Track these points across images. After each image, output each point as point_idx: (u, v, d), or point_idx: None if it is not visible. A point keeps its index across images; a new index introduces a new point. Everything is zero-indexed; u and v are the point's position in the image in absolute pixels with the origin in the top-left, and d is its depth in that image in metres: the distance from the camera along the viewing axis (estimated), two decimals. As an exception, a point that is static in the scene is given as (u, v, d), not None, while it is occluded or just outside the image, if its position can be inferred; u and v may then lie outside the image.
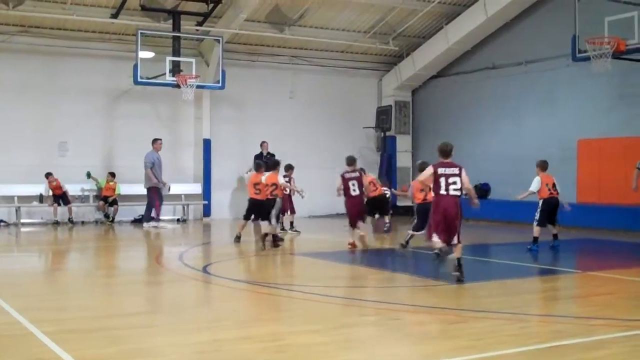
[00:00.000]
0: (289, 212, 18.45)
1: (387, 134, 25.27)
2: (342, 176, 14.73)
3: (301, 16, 22.43)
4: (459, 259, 10.42)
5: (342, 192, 14.62)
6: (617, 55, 16.36)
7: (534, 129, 21.75)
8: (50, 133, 21.27)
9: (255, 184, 15.84)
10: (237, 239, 15.96)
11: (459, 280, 10.25)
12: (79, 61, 21.51)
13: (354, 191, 14.55)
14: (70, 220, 20.68)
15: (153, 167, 20.23)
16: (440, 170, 10.48)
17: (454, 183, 10.40)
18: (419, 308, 8.69)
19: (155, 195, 20.34)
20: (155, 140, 20.76)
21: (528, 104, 22.05)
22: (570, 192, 20.09)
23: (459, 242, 10.46)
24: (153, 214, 20.36)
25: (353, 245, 14.51)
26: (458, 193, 10.43)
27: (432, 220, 10.59)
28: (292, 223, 18.38)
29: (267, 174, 15.65)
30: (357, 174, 14.79)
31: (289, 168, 18.14)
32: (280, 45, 23.88)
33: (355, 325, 7.98)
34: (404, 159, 25.83)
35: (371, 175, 18.99)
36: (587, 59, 16.70)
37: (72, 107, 21.46)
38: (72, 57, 21.46)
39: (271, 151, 22.07)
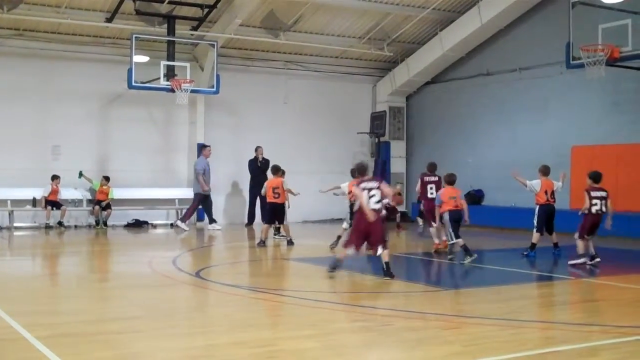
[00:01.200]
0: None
1: (382, 139, 25.27)
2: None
3: (296, 21, 22.45)
4: (387, 263, 11.27)
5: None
6: (611, 62, 16.41)
7: (528, 136, 21.80)
8: (43, 137, 21.22)
9: (274, 188, 16.33)
10: (262, 243, 16.27)
11: (391, 276, 11.16)
12: (73, 65, 21.47)
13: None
14: (61, 224, 20.60)
15: (204, 173, 20.86)
16: (363, 185, 11.44)
17: (374, 196, 11.31)
18: (412, 314, 8.69)
19: (197, 201, 21.19)
20: (204, 147, 21.43)
21: (522, 110, 22.10)
22: (564, 198, 20.14)
23: (385, 248, 11.36)
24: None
25: None
26: (378, 206, 11.35)
27: (354, 229, 11.67)
28: (278, 229, 18.22)
29: (272, 178, 16.49)
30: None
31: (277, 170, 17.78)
32: (275, 51, 23.89)
33: (348, 331, 7.98)
34: (398, 165, 25.85)
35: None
36: (581, 66, 16.74)
37: (66, 110, 21.42)
38: (67, 60, 21.42)
39: (266, 156, 22.09)
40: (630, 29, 16.05)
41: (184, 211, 21.57)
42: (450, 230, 13.40)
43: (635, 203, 18.53)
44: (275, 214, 16.50)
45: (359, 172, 12.08)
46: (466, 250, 13.23)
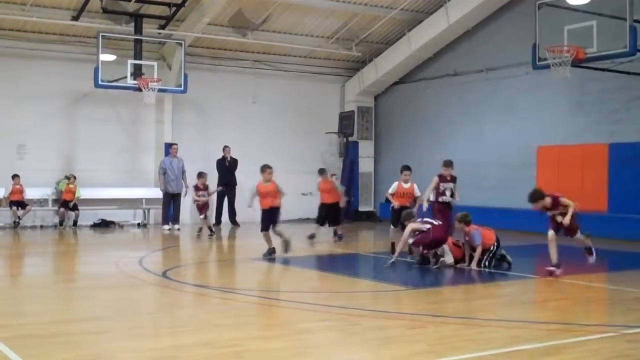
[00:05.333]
0: None
1: (350, 139, 25.33)
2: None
3: (264, 21, 22.41)
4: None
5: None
6: (576, 63, 16.56)
7: (495, 135, 21.95)
8: (8, 136, 20.97)
9: (327, 189, 17.46)
10: (312, 236, 17.34)
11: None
12: (39, 63, 21.25)
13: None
14: (16, 224, 20.30)
15: (164, 173, 20.84)
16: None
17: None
18: (378, 313, 8.70)
19: (164, 201, 21.17)
20: (170, 146, 21.56)
21: (488, 110, 22.25)
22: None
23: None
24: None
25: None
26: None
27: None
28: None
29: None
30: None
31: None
32: (243, 50, 23.84)
33: (314, 330, 7.97)
34: (366, 165, 25.93)
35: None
36: (547, 67, 16.89)
37: (31, 109, 21.20)
38: (32, 59, 21.20)
39: (234, 156, 22.03)
40: (595, 30, 16.21)
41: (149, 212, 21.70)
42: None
43: (600, 203, 18.73)
44: (329, 213, 17.62)
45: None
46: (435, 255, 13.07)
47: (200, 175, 19.06)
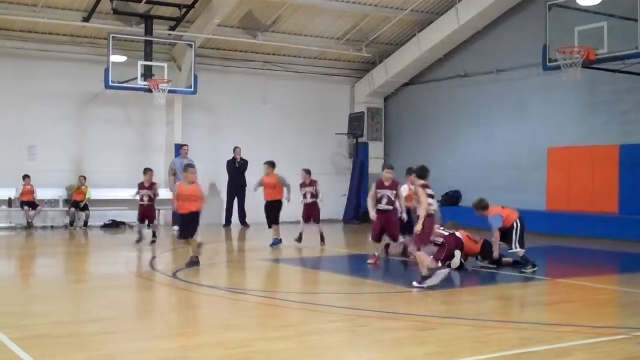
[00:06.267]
0: None
1: (360, 140, 25.33)
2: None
3: (274, 22, 22.43)
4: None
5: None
6: (587, 64, 16.54)
7: (505, 137, 21.91)
8: (19, 137, 21.04)
9: (270, 184, 16.05)
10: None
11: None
12: (49, 64, 21.31)
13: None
14: (29, 225, 20.36)
15: (174, 174, 20.65)
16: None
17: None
18: (388, 314, 8.69)
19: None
20: (181, 147, 21.44)
21: (499, 112, 22.21)
22: (540, 199, 20.31)
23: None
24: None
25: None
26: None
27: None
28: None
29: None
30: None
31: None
32: (253, 51, 23.85)
33: (324, 331, 7.97)
34: (375, 166, 25.86)
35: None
36: (558, 68, 16.86)
37: (42, 110, 21.27)
38: (43, 60, 21.26)
39: (244, 157, 22.05)
40: (606, 31, 16.18)
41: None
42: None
43: (610, 204, 18.68)
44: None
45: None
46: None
47: (146, 171, 17.45)
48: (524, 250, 12.40)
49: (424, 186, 10.70)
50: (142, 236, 16.87)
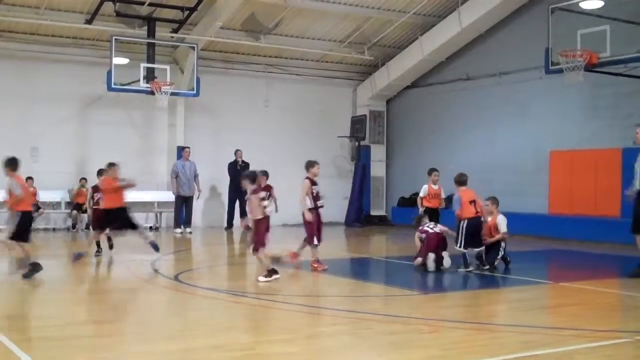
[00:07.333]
0: None
1: (362, 143, 25.34)
2: None
3: (277, 25, 22.45)
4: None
5: None
6: (589, 68, 16.53)
7: (507, 140, 21.91)
8: (22, 139, 21.03)
9: (110, 189, 14.31)
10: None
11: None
12: (52, 66, 21.35)
13: None
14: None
15: (177, 176, 20.84)
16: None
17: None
18: (390, 318, 8.69)
19: (176, 204, 21.17)
20: (183, 149, 21.48)
21: (501, 115, 22.21)
22: (542, 203, 20.30)
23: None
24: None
25: None
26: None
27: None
28: None
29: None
30: None
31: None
32: (256, 54, 23.88)
33: (327, 335, 7.96)
34: (378, 169, 25.91)
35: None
36: (560, 71, 16.86)
37: (44, 112, 21.29)
38: (46, 62, 21.29)
39: (245, 159, 22.05)
40: (608, 34, 16.18)
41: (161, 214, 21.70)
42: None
43: (613, 208, 18.64)
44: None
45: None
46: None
47: (101, 172, 15.59)
48: (466, 251, 12.51)
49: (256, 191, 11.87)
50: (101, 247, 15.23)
